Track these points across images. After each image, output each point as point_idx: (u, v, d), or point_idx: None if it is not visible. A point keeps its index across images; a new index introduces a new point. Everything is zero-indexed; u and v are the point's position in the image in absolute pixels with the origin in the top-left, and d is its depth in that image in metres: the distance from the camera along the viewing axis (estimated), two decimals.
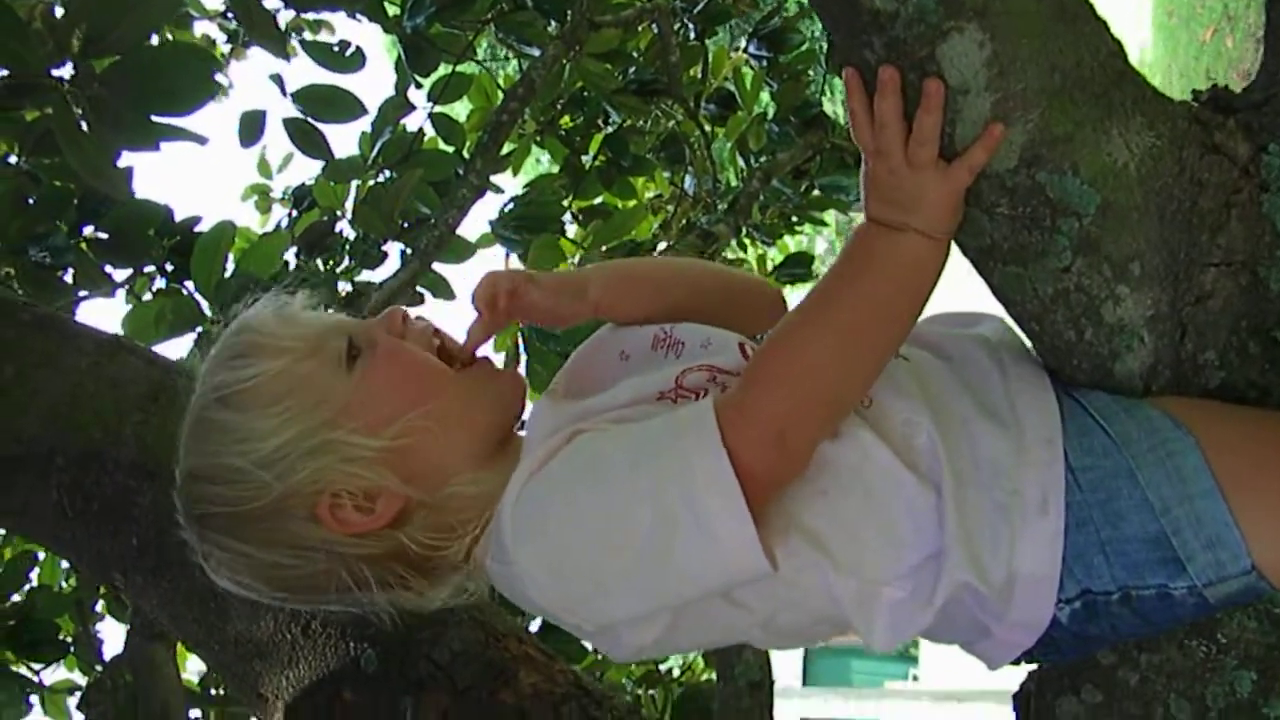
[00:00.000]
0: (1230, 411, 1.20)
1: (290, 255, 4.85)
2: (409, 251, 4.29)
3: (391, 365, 1.26)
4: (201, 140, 3.16)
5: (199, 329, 3.84)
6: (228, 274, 3.84)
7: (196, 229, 4.22)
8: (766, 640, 1.28)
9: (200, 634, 2.09)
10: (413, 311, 1.33)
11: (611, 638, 1.23)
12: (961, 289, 1.33)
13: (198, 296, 3.82)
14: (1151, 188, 1.17)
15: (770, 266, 5.33)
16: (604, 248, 3.80)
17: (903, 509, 1.19)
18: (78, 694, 4.29)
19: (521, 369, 4.49)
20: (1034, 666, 1.41)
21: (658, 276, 1.39)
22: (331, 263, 4.95)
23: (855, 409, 1.22)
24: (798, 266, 5.31)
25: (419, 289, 3.92)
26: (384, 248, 4.88)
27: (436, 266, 4.24)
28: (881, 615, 1.20)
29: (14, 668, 4.00)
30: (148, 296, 4.28)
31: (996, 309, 1.34)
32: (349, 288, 4.95)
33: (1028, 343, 1.32)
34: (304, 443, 1.22)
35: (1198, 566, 1.14)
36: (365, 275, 4.98)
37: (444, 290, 4.57)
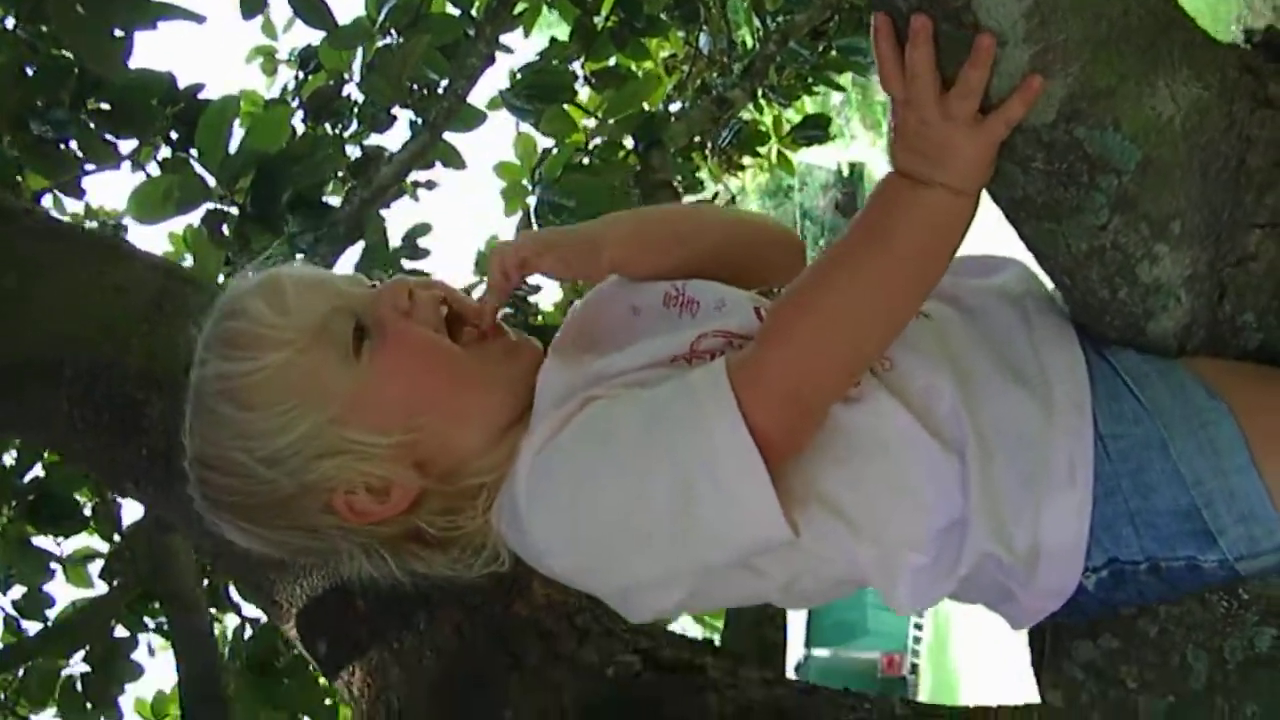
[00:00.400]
0: (1266, 375, 1.15)
1: (297, 121, 4.76)
2: (419, 121, 4.21)
3: (401, 356, 1.21)
4: (199, 19, 3.06)
5: (207, 204, 3.79)
6: (234, 149, 3.76)
7: (200, 95, 4.13)
8: (786, 602, 1.27)
9: (212, 545, 2.09)
10: (417, 279, 1.27)
11: (631, 601, 1.21)
12: (991, 239, 1.27)
13: (204, 172, 3.75)
14: (1196, 143, 1.10)
15: (787, 128, 5.24)
16: (615, 119, 3.71)
17: (925, 475, 1.15)
18: (99, 561, 4.37)
19: None
20: None
21: (673, 232, 1.33)
22: (339, 128, 4.87)
23: (875, 372, 1.18)
24: (815, 128, 5.22)
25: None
26: (392, 111, 4.79)
27: (447, 135, 4.16)
28: (904, 581, 1.18)
29: (35, 541, 4.06)
30: (153, 166, 4.21)
31: (1023, 255, 1.28)
32: (358, 152, 4.88)
33: (1052, 289, 1.27)
34: (313, 442, 1.19)
35: (1229, 540, 1.11)
36: (374, 139, 4.91)
37: (455, 160, 4.49)
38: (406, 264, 5.34)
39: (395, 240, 5.25)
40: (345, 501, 1.21)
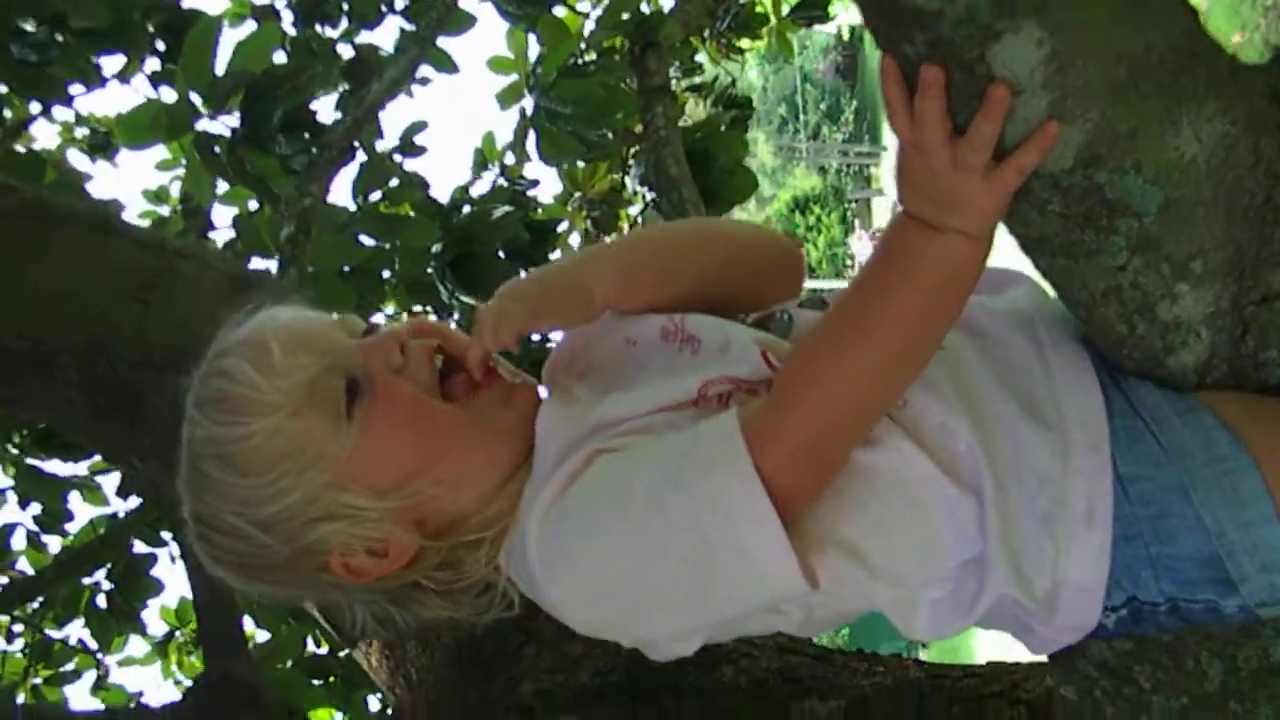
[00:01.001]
0: None
1: (288, 25, 4.65)
2: (410, 29, 4.10)
3: (394, 418, 1.18)
4: None
5: (196, 124, 3.71)
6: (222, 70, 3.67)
7: (183, 3, 4.03)
8: (803, 630, 1.26)
9: None
10: (408, 326, 1.24)
11: (652, 649, 1.21)
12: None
13: (192, 95, 3.66)
14: (1221, 181, 1.05)
15: (786, 10, 5.09)
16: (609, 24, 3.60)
17: (944, 517, 1.13)
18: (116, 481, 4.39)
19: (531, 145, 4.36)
20: None
21: (662, 264, 1.27)
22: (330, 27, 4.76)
23: (890, 413, 1.15)
24: (814, 8, 5.08)
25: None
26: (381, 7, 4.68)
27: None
28: (922, 615, 1.17)
29: (47, 468, 4.08)
30: (140, 80, 4.11)
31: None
32: (351, 52, 4.78)
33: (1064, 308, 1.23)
34: (308, 509, 1.17)
35: (1251, 589, 1.09)
36: (365, 37, 4.80)
37: (447, 64, 4.39)
38: (403, 162, 5.27)
39: (392, 139, 5.18)
40: (342, 563, 1.20)
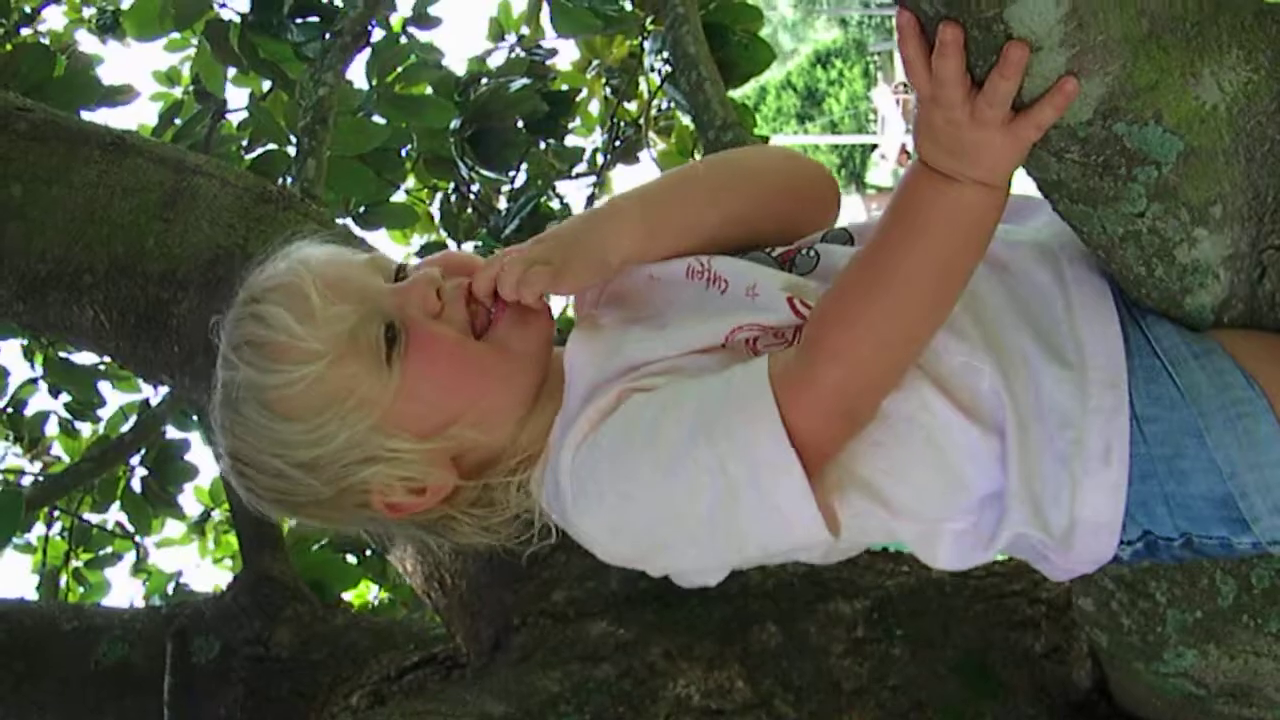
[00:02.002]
0: None
1: None
2: None
3: (435, 363, 1.20)
4: None
5: (206, 18, 3.66)
6: None
7: None
8: (826, 560, 1.29)
9: None
10: (440, 263, 1.25)
11: (679, 578, 1.26)
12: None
13: None
14: (1243, 128, 1.04)
15: None
16: None
17: (964, 456, 1.15)
18: None
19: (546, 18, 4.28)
20: None
21: (689, 218, 1.26)
22: None
23: None
24: None
25: None
26: None
27: None
28: (944, 547, 1.20)
29: (75, 359, 4.12)
30: None
31: None
32: None
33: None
34: (351, 453, 1.20)
35: (1263, 528, 1.11)
36: None
37: None
38: (418, 33, 5.18)
39: (405, 9, 5.09)
40: (383, 501, 1.24)
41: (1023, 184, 1.24)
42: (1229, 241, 1.09)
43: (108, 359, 4.34)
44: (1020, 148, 1.04)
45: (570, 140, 5.17)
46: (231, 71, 4.04)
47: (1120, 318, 1.17)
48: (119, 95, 3.87)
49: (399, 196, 4.64)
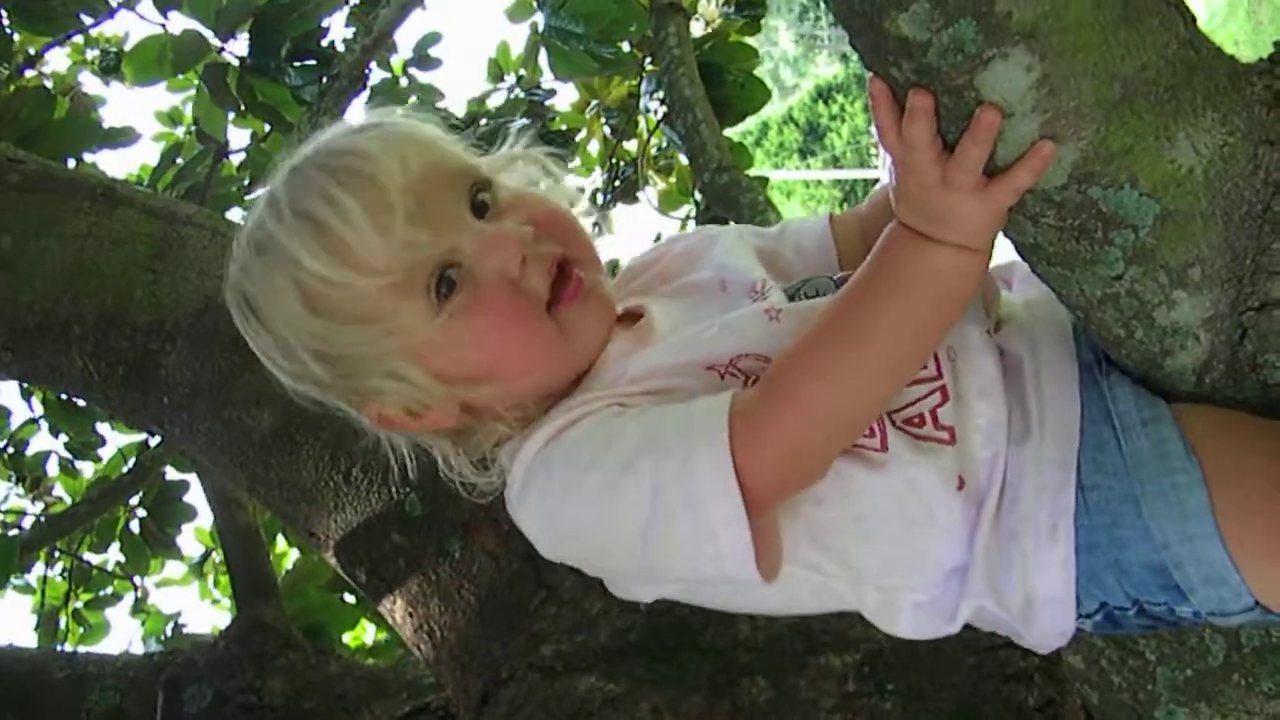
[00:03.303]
0: (1259, 432, 1.11)
1: None
2: None
3: (486, 328, 1.16)
4: None
5: (205, 61, 3.68)
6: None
7: None
8: (787, 612, 1.29)
9: (244, 478, 2.11)
10: (541, 218, 1.20)
11: (613, 585, 1.25)
12: None
13: (200, 27, 3.63)
14: (1219, 191, 1.03)
15: None
16: None
17: (942, 536, 1.15)
18: None
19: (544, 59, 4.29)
20: None
21: None
22: None
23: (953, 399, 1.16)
24: None
25: None
26: None
27: None
28: (905, 617, 1.20)
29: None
30: (147, 6, 4.06)
31: None
32: None
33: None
34: (369, 365, 1.16)
35: (1200, 599, 1.10)
36: None
37: None
38: (418, 74, 5.21)
39: (405, 50, 5.11)
40: (377, 411, 1.20)
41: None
42: (1209, 303, 1.08)
43: None
44: (996, 212, 1.04)
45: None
46: (231, 114, 4.06)
47: (1082, 382, 1.17)
48: (120, 137, 3.89)
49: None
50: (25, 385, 4.10)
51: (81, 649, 4.39)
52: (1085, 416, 1.15)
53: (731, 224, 1.40)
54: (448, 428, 1.23)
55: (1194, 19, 1.02)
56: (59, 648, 4.48)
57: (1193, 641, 1.37)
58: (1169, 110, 1.00)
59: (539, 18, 4.13)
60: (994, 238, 1.08)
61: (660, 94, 4.06)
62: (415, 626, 2.04)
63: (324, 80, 3.54)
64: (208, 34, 3.59)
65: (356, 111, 3.82)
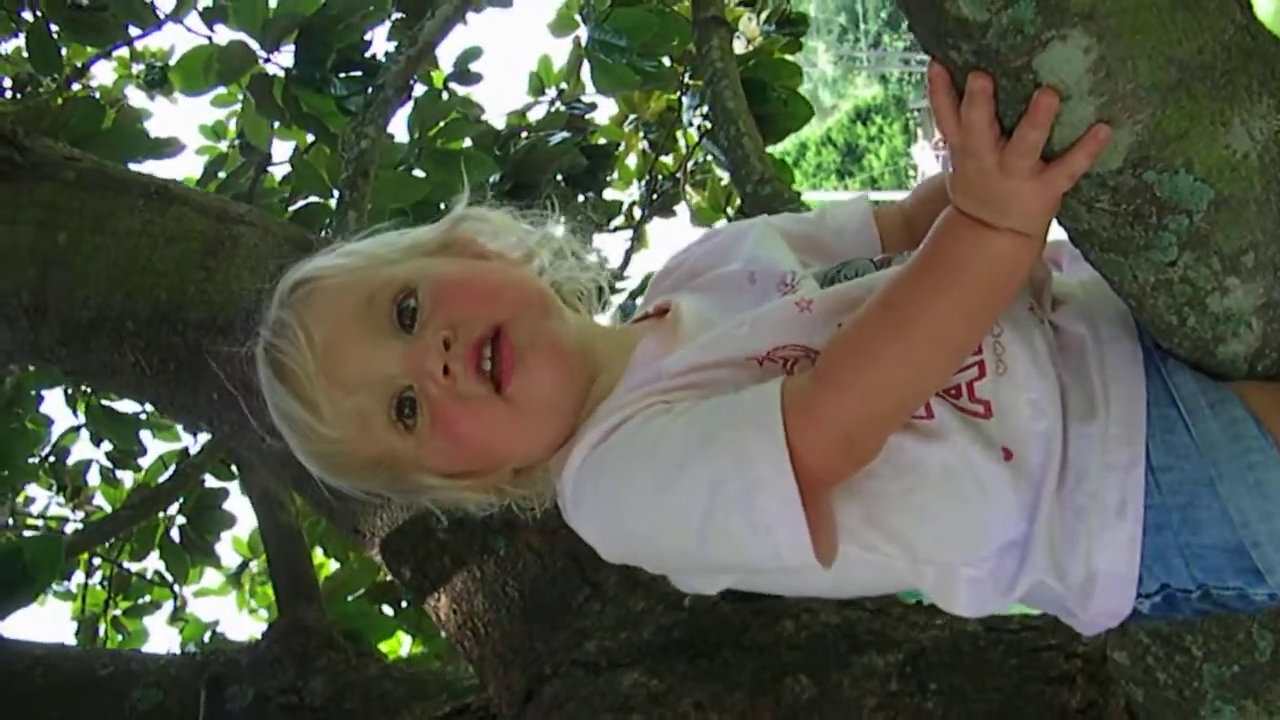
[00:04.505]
0: None
1: None
2: None
3: (451, 432, 1.23)
4: None
5: (251, 72, 3.72)
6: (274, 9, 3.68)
7: None
8: (832, 594, 1.30)
9: (291, 475, 2.13)
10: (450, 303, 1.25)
11: (675, 580, 1.28)
12: None
13: (246, 38, 3.67)
14: (1274, 176, 1.04)
15: None
16: None
17: (994, 508, 1.15)
18: None
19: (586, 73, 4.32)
20: None
21: None
22: None
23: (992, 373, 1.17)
24: None
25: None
26: None
27: None
28: (961, 593, 1.20)
29: (118, 407, 4.16)
30: (194, 19, 4.12)
31: None
32: None
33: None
34: (405, 484, 1.29)
35: (1278, 578, 1.10)
36: None
37: None
38: (459, 89, 5.25)
39: (447, 66, 5.16)
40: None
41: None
42: (1261, 290, 1.09)
43: (149, 407, 4.40)
44: (1052, 196, 1.04)
45: (608, 194, 5.21)
46: (275, 125, 4.10)
47: (1146, 368, 1.17)
48: (165, 148, 3.93)
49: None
50: (69, 391, 4.14)
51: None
52: (1150, 399, 1.15)
53: (763, 215, 1.40)
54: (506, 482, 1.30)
55: (1250, 4, 1.03)
56: None
57: (1240, 637, 1.37)
58: (1224, 95, 1.01)
59: (582, 32, 4.16)
60: (1049, 222, 1.08)
61: (703, 107, 4.08)
62: (459, 623, 2.05)
63: (369, 91, 3.58)
64: (254, 45, 3.63)
65: (399, 123, 3.84)
